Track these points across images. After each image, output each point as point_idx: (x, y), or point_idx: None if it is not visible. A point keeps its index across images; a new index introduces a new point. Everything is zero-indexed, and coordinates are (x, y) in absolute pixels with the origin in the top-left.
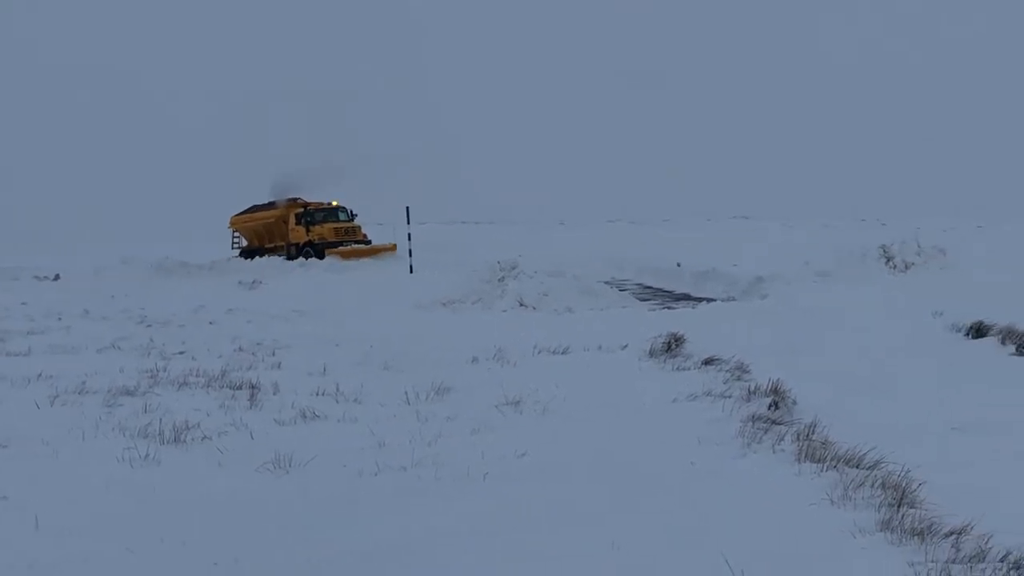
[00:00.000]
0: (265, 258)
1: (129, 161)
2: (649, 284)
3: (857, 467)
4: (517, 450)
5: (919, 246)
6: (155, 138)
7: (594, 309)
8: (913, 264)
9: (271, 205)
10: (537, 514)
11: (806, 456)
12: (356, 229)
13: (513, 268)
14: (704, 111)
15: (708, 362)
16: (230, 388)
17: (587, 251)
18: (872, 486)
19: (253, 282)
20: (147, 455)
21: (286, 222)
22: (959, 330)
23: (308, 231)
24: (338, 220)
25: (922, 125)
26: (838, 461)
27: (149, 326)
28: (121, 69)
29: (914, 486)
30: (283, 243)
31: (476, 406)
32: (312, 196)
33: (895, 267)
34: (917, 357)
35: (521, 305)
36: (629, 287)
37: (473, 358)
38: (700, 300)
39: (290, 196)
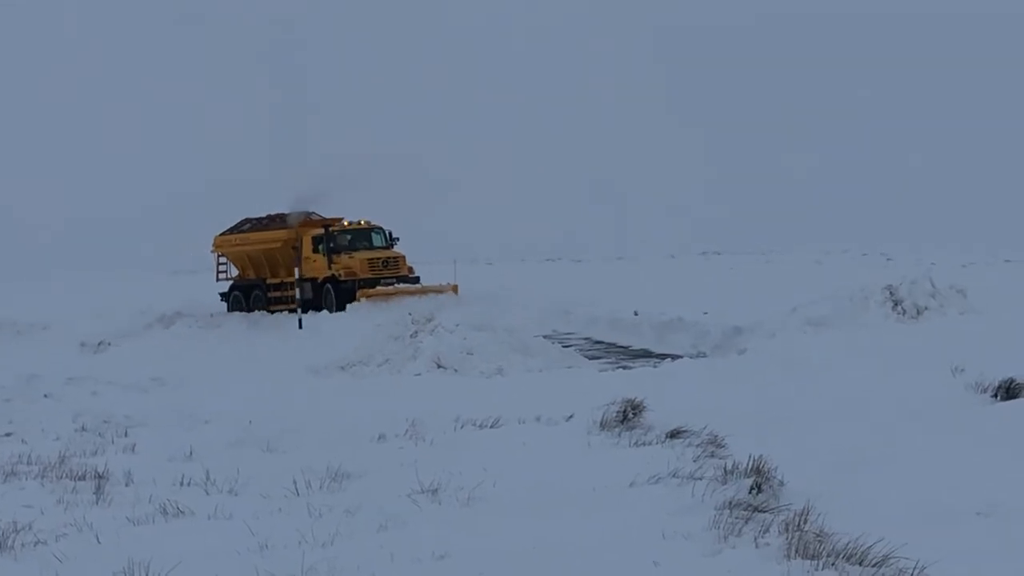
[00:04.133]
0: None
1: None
2: (599, 338)
3: (860, 564)
4: (435, 551)
5: (933, 286)
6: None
7: (531, 371)
8: (927, 308)
9: (277, 221)
10: None
11: (797, 551)
12: (400, 260)
13: (429, 321)
14: (660, 122)
15: (674, 435)
16: (70, 478)
17: (521, 297)
18: None
19: (100, 343)
20: None
21: (296, 248)
22: (984, 390)
23: (331, 262)
24: (372, 246)
25: (935, 133)
26: (837, 557)
27: None
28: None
29: None
30: (291, 279)
31: (383, 496)
32: (329, 211)
33: (904, 312)
34: (933, 424)
35: (439, 367)
36: (574, 342)
37: (379, 435)
38: (663, 357)
39: (305, 211)
